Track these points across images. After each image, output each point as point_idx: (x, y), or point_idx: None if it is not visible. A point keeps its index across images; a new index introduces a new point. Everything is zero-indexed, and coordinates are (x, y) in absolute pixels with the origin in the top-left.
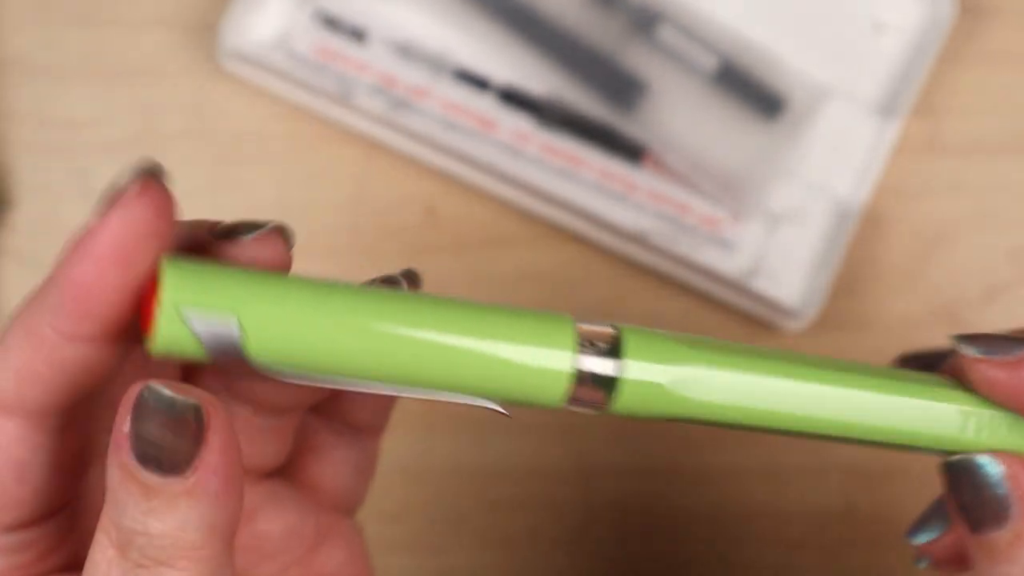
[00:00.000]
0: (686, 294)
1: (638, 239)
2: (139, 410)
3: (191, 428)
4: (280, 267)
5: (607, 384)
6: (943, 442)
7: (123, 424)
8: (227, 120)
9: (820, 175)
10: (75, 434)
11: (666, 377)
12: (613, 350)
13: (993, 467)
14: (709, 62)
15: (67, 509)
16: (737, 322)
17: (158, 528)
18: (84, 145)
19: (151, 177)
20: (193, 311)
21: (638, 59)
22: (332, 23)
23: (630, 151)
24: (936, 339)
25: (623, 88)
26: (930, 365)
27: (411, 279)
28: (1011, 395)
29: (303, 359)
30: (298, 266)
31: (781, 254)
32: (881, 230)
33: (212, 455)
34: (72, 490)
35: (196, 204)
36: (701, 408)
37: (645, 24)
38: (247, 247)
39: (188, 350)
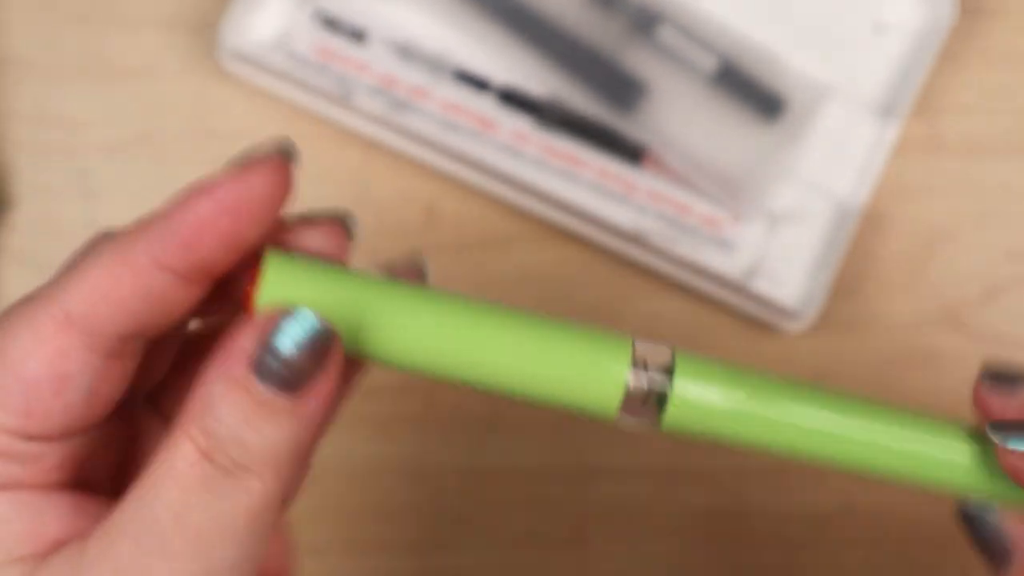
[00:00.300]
0: (686, 294)
1: (638, 239)
2: (280, 329)
3: (320, 354)
4: (337, 256)
5: (658, 400)
6: (957, 490)
7: (247, 339)
8: (227, 120)
9: (820, 175)
10: (121, 367)
11: (712, 397)
12: (665, 369)
13: (997, 520)
14: (709, 62)
15: (84, 435)
16: (737, 323)
17: (255, 440)
18: (84, 145)
19: (284, 156)
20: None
21: (638, 59)
22: (332, 23)
23: (630, 151)
24: (935, 339)
25: (623, 88)
26: (1011, 380)
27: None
28: None
29: (379, 356)
30: None
31: (781, 254)
32: (881, 230)
33: (326, 382)
34: (96, 419)
35: None
36: (744, 429)
37: (645, 24)
38: (306, 236)
39: None
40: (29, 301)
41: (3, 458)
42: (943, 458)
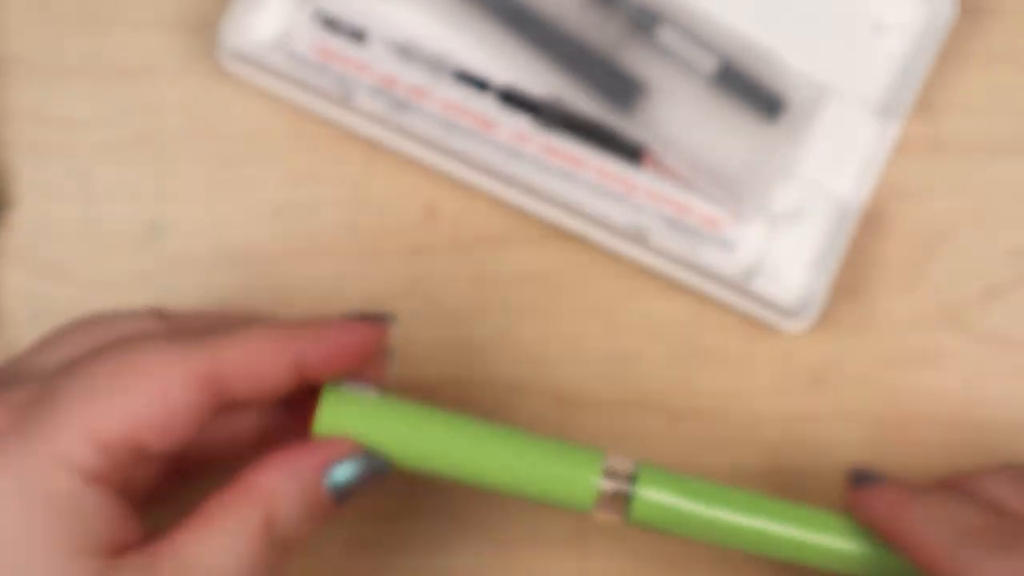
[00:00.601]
0: (686, 294)
1: (638, 239)
2: (360, 458)
3: (373, 483)
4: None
5: (625, 501)
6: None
7: (332, 456)
8: (227, 120)
9: (820, 175)
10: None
11: (664, 502)
12: (630, 477)
13: None
14: (709, 62)
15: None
16: (737, 322)
17: (305, 531)
18: (84, 145)
19: (385, 328)
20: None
21: (638, 59)
22: (332, 23)
23: (630, 151)
24: (936, 339)
25: (623, 88)
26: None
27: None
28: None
29: (401, 463)
30: (300, 266)
31: (781, 254)
32: (881, 230)
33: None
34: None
35: (196, 204)
36: (690, 527)
37: (645, 24)
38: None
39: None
40: (184, 344)
41: (112, 458)
42: (844, 550)
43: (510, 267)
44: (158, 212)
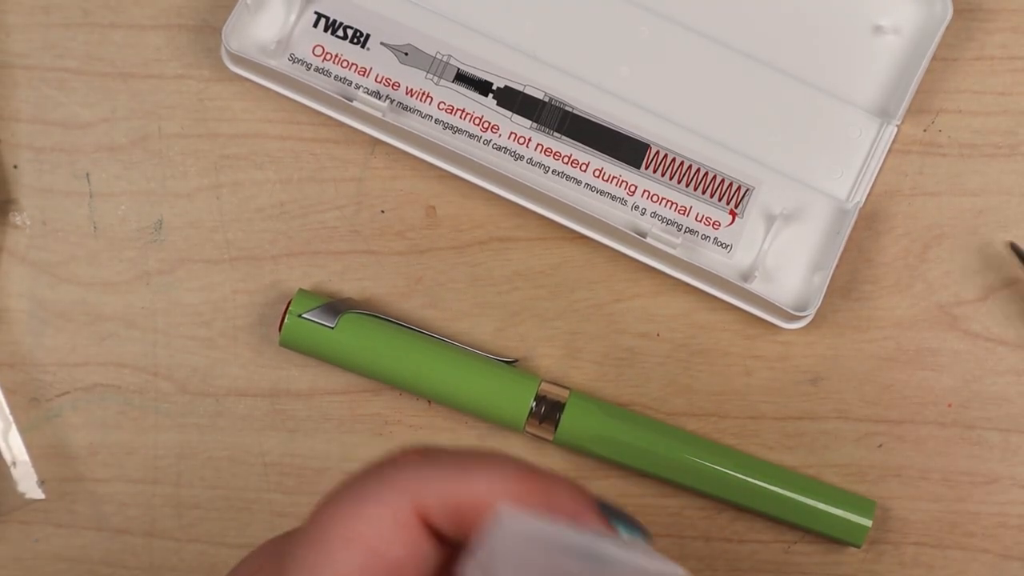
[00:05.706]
0: (686, 294)
1: (638, 239)
2: None
3: None
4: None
5: (555, 424)
6: None
7: None
8: (228, 121)
9: (820, 175)
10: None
11: (586, 426)
12: (561, 403)
13: None
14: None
15: None
16: (736, 322)
17: None
18: (84, 145)
19: None
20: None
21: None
22: (333, 25)
23: (630, 151)
24: (932, 338)
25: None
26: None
27: None
28: None
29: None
30: (299, 266)
31: (780, 254)
32: (879, 230)
33: None
34: None
35: (197, 205)
36: (607, 450)
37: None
38: None
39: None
40: (379, 482)
41: None
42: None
43: (510, 267)
44: (159, 212)
